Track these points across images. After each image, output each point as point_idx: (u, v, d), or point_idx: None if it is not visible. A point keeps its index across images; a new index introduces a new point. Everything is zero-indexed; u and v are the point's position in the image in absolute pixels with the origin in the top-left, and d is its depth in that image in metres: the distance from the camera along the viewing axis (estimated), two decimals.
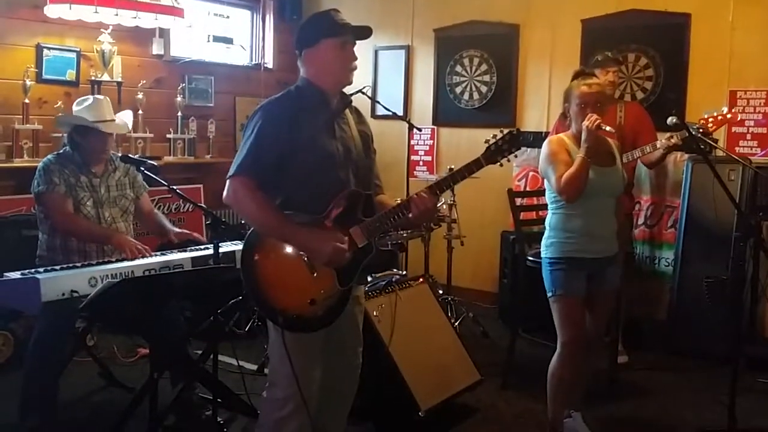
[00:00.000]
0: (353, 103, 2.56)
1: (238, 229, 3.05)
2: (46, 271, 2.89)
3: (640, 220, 4.92)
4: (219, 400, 3.13)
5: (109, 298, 2.61)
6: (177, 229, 3.56)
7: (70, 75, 4.86)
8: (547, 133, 4.48)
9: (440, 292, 4.60)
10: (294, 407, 2.34)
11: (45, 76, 4.73)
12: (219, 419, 3.15)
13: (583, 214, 3.01)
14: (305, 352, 2.35)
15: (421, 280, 3.77)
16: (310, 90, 2.41)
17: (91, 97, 3.56)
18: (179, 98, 5.51)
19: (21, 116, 4.56)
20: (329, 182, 2.35)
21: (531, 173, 5.37)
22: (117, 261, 3.13)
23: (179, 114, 5.52)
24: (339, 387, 2.56)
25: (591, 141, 2.93)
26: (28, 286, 2.71)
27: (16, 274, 2.86)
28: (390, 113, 5.12)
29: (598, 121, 2.91)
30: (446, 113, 5.85)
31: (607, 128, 2.94)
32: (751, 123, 4.59)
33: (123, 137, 4.81)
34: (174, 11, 4.80)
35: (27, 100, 4.56)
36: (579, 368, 3.12)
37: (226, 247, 3.25)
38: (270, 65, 6.30)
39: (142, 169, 3.39)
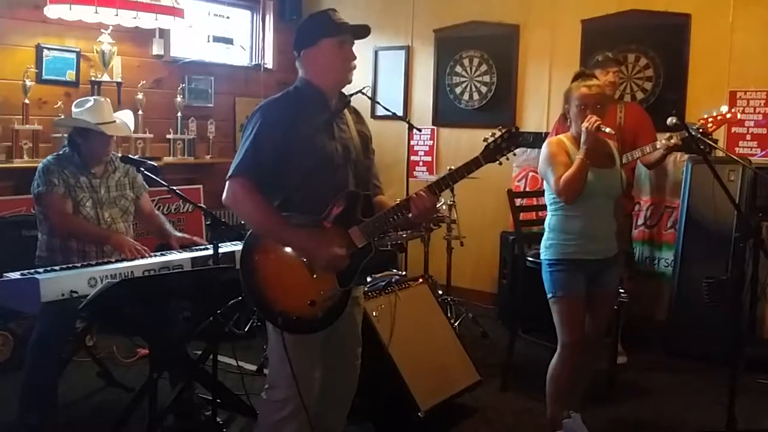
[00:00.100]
0: (352, 104, 2.56)
1: (237, 229, 3.05)
2: (45, 271, 2.89)
3: (640, 221, 4.92)
4: (218, 400, 3.13)
5: (109, 298, 2.62)
6: (178, 234, 3.55)
7: (69, 75, 4.87)
8: (546, 134, 4.48)
9: (440, 292, 4.60)
10: (293, 408, 2.33)
11: (45, 77, 4.73)
12: (218, 419, 3.14)
13: (582, 216, 3.01)
14: (305, 353, 2.35)
15: (420, 280, 3.77)
16: (309, 90, 2.40)
17: (91, 99, 3.55)
18: (179, 99, 5.51)
19: (21, 117, 4.56)
20: (328, 183, 2.35)
21: (531, 174, 5.37)
22: (116, 261, 3.13)
23: (179, 114, 5.52)
24: (338, 387, 2.56)
25: (590, 142, 2.93)
26: (28, 286, 2.71)
27: (15, 275, 2.85)
28: (390, 114, 5.12)
29: (597, 123, 2.92)
30: (446, 114, 5.85)
31: (607, 130, 2.94)
32: (751, 123, 4.59)
33: (122, 137, 4.81)
34: (174, 11, 4.81)
35: (27, 101, 4.57)
36: (578, 369, 3.13)
37: (225, 247, 3.25)
38: (270, 66, 6.31)
39: (142, 169, 3.39)
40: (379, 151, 2.63)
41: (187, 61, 5.62)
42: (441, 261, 4.99)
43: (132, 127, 3.76)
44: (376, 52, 6.14)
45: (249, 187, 2.28)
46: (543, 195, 3.24)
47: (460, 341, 3.72)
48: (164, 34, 5.37)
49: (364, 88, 4.90)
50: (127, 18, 4.57)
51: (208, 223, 3.17)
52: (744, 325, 3.96)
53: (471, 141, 5.44)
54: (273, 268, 2.33)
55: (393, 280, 3.59)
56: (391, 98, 5.86)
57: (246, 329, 4.52)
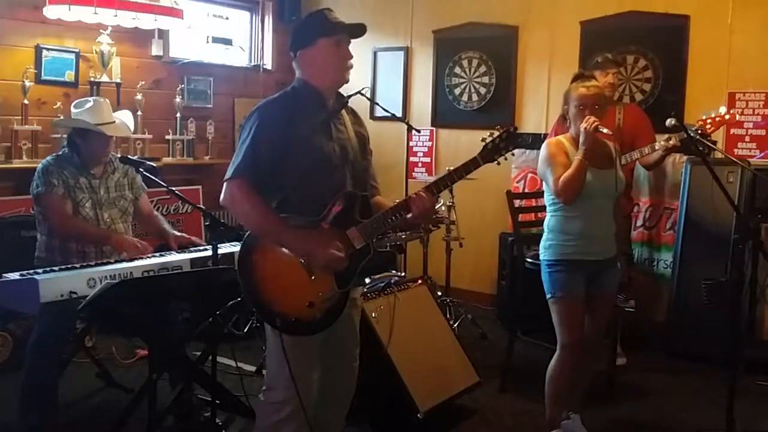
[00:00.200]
0: (351, 105, 2.56)
1: (236, 230, 3.05)
2: (44, 272, 2.89)
3: (639, 222, 4.92)
4: (217, 401, 3.13)
5: (108, 299, 2.61)
6: (177, 233, 3.55)
7: (69, 76, 4.87)
8: (545, 135, 4.48)
9: (439, 293, 4.60)
10: (292, 410, 2.33)
11: (44, 77, 4.73)
12: (217, 420, 3.14)
13: (581, 216, 3.02)
14: (303, 355, 2.34)
15: (419, 281, 3.77)
16: (307, 91, 2.40)
17: (91, 100, 3.55)
18: (178, 99, 5.51)
19: (20, 117, 4.56)
20: (326, 183, 2.34)
21: (530, 175, 5.37)
22: (116, 262, 3.13)
23: (178, 115, 5.52)
24: (337, 388, 2.56)
25: (588, 143, 2.93)
26: (27, 287, 2.70)
27: (14, 275, 2.85)
28: (389, 114, 5.12)
29: (595, 123, 2.92)
30: (445, 115, 5.85)
31: (605, 130, 2.95)
32: (750, 125, 4.59)
33: (121, 138, 4.81)
34: (173, 12, 4.80)
35: (26, 101, 4.57)
36: (578, 370, 3.13)
37: (224, 248, 3.25)
38: (269, 66, 6.31)
39: (141, 170, 3.38)
40: (377, 152, 2.63)
41: (186, 62, 5.62)
42: (440, 262, 4.99)
43: (132, 128, 3.76)
44: (375, 53, 6.14)
45: (247, 189, 2.28)
46: (542, 196, 3.25)
47: (459, 342, 3.72)
48: (163, 34, 5.38)
49: (363, 89, 4.89)
50: (127, 19, 4.57)
51: (207, 223, 3.17)
52: (743, 326, 3.96)
53: (470, 142, 5.39)
54: (271, 269, 2.32)
55: (392, 281, 3.59)
56: (390, 99, 5.86)
57: (245, 330, 4.52)
